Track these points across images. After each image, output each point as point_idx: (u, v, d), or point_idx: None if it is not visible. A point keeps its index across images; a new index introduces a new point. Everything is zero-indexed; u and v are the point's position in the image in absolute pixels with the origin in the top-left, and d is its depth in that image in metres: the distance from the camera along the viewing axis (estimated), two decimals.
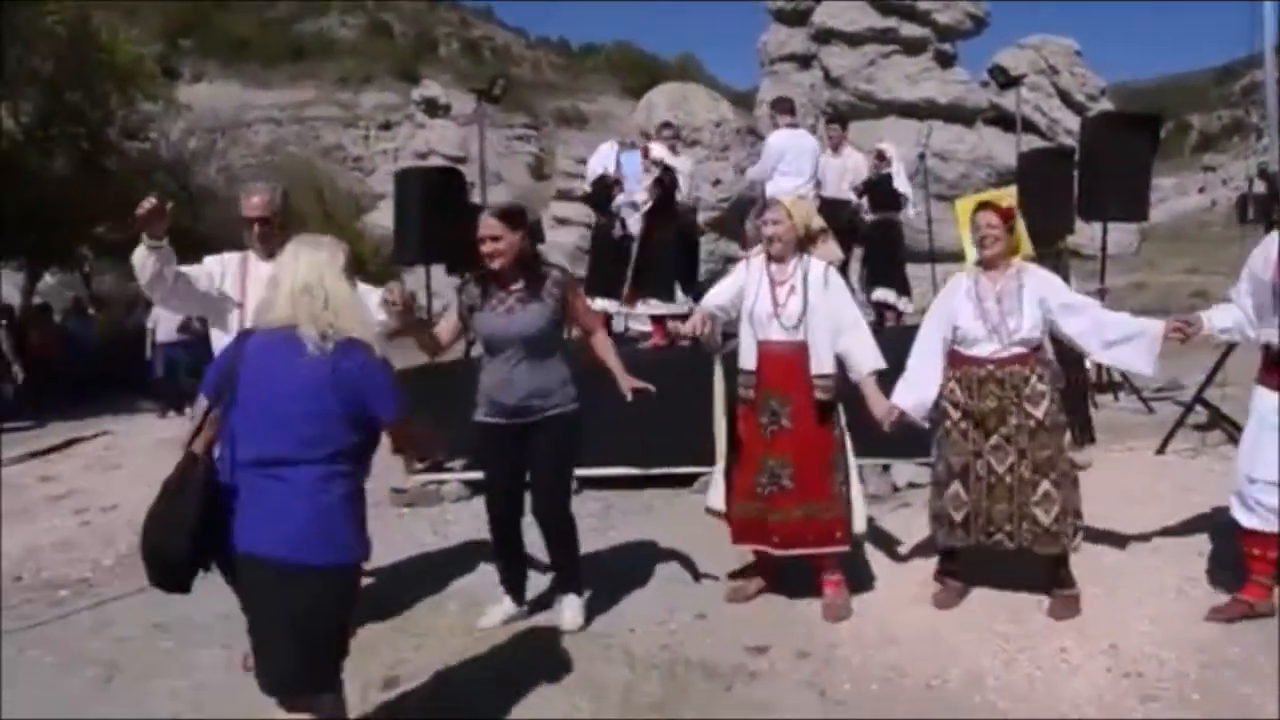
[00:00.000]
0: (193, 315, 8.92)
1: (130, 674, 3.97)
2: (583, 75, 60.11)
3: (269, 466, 2.57)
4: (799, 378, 4.11)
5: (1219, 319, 3.94)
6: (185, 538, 2.56)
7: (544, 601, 4.37)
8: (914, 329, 4.36)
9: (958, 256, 8.94)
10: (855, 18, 19.49)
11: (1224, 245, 16.52)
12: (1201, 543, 4.43)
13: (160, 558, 2.61)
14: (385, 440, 2.79)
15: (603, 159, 8.38)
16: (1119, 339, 3.97)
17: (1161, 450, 6.08)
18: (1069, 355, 4.23)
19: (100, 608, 4.80)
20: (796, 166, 8.15)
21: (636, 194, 7.91)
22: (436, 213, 7.99)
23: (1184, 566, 4.26)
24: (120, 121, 16.56)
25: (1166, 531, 4.63)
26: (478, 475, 5.47)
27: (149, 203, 3.45)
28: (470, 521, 5.65)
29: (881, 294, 9.03)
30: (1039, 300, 3.95)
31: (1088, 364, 6.52)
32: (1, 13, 13.18)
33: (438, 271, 8.60)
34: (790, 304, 4.12)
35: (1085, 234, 11.11)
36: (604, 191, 8.23)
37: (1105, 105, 21.11)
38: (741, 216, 13.09)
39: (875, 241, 9.16)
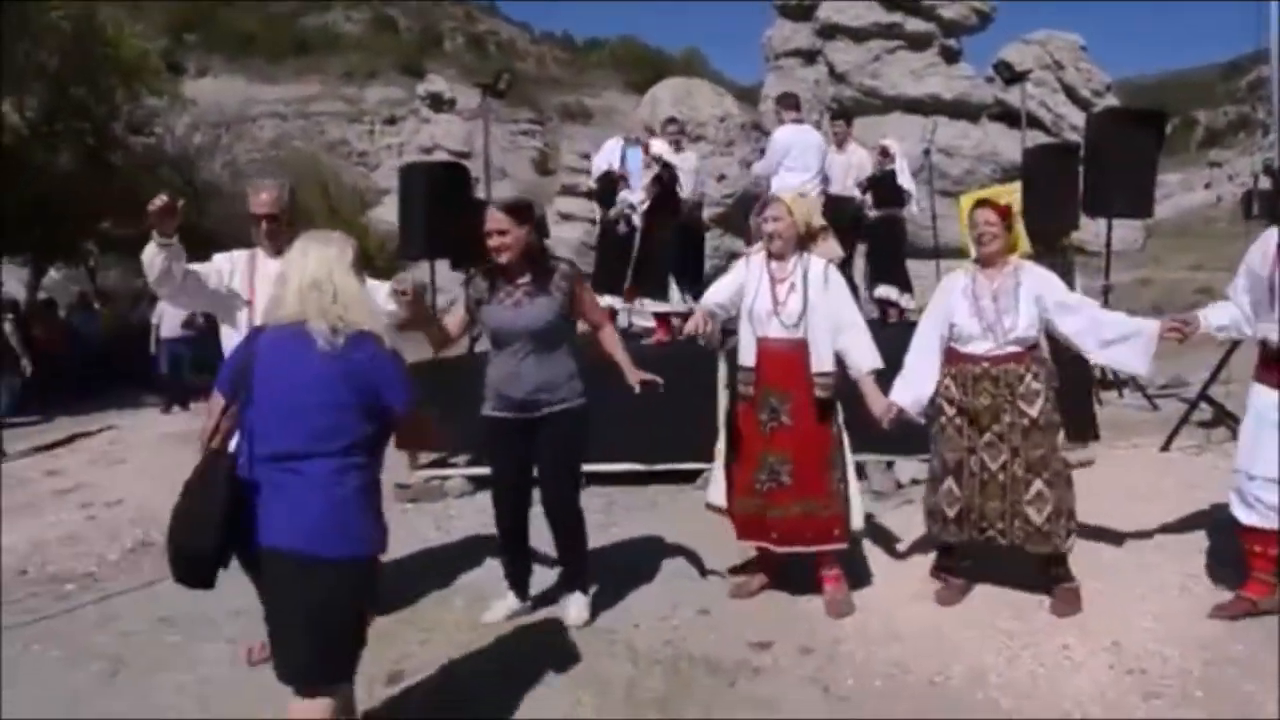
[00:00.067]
0: (200, 312, 8.99)
1: (136, 668, 3.98)
2: (587, 70, 60.14)
3: (284, 461, 2.59)
4: (799, 375, 4.11)
5: (1215, 317, 3.93)
6: (211, 535, 2.60)
7: (549, 596, 4.39)
8: (915, 326, 4.35)
9: (962, 253, 8.87)
10: (860, 13, 19.39)
11: (1229, 241, 16.42)
12: (1205, 540, 4.42)
13: (186, 555, 2.65)
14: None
15: (608, 155, 8.37)
16: (1115, 338, 3.96)
17: (1166, 447, 6.07)
18: (1072, 352, 4.22)
19: (105, 602, 4.81)
20: (802, 161, 8.15)
21: (636, 192, 7.90)
22: (441, 208, 8.01)
23: (1187, 563, 4.25)
24: (125, 117, 16.54)
25: (1170, 528, 4.62)
26: (482, 470, 5.50)
27: (160, 200, 3.46)
28: (474, 517, 5.67)
29: (884, 291, 9.04)
30: (1035, 298, 3.95)
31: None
32: (6, 8, 13.19)
33: (442, 266, 8.58)
34: (790, 302, 4.12)
35: (1090, 230, 11.06)
36: (609, 187, 8.22)
37: (1111, 101, 21.04)
38: (746, 212, 13.04)
39: (878, 237, 9.15)
